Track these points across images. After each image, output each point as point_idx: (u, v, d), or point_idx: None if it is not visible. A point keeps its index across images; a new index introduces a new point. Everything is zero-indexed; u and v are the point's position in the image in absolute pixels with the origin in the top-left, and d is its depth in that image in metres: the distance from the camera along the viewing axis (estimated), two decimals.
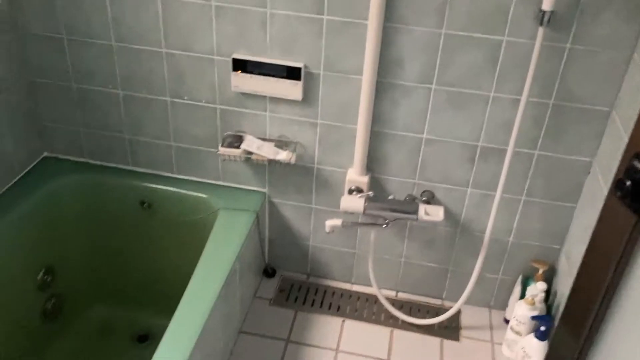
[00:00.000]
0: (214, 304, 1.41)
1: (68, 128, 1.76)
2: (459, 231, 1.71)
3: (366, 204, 1.55)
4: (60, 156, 1.82)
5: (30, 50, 1.65)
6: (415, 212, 1.54)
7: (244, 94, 1.59)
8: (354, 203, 1.56)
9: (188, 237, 1.75)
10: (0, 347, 1.56)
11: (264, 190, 1.77)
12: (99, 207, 1.77)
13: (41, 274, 1.67)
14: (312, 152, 1.66)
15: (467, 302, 1.79)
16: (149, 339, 1.82)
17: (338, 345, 1.68)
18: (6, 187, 1.66)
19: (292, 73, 1.51)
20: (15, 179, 1.70)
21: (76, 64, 1.64)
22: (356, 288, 1.88)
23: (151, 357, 1.26)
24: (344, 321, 1.76)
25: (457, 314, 1.81)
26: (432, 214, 1.54)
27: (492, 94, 1.47)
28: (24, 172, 1.73)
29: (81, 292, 1.84)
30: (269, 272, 1.91)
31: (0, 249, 1.53)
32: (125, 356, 1.76)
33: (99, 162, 1.80)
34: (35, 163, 1.78)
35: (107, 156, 1.79)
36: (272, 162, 1.64)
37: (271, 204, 1.79)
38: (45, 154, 1.82)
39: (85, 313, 1.86)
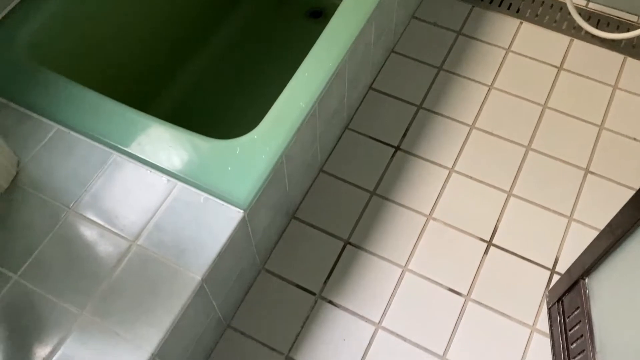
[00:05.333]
0: None
1: None
2: None
3: None
4: None
5: None
6: None
7: None
8: None
9: None
10: (198, 2, 1.70)
11: None
12: None
13: None
14: None
15: None
16: (322, 15, 1.88)
17: (510, 45, 1.63)
18: None
19: None
20: None
21: None
22: None
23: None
24: (521, 23, 1.67)
25: None
26: None
27: None
28: None
29: None
30: None
31: None
32: (298, 29, 1.86)
33: None
34: None
35: None
36: None
37: None
38: None
39: None
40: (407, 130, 1.50)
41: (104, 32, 1.44)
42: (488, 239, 1.34)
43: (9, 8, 1.27)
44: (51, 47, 1.30)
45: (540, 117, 1.51)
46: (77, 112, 1.14)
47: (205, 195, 1.05)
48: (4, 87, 1.17)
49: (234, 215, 1.03)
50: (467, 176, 1.43)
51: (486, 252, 1.33)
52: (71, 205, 1.04)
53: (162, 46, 1.64)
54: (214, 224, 1.02)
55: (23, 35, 1.25)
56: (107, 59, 1.46)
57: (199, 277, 0.97)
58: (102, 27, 1.42)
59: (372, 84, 1.58)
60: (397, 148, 1.47)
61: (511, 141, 1.47)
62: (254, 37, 1.84)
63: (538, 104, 1.53)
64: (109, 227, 1.02)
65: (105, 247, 1.00)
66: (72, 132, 1.11)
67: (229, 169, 1.07)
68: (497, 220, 1.36)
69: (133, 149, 1.09)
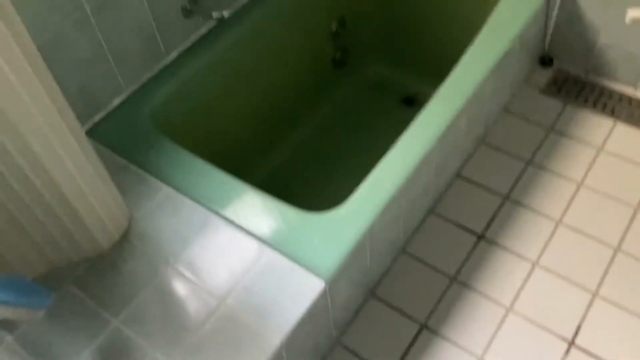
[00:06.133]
0: (486, 75, 1.44)
1: None
2: None
3: None
4: None
5: None
6: None
7: None
8: None
9: (471, 8, 1.74)
10: (299, 84, 1.85)
11: None
12: None
13: (335, 24, 1.87)
14: None
15: None
16: (415, 103, 1.97)
17: (603, 144, 1.62)
18: None
19: None
20: None
21: None
22: None
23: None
24: (615, 123, 1.67)
25: None
26: None
27: None
28: None
29: (364, 48, 2.02)
30: (545, 61, 1.84)
31: None
32: (391, 114, 1.95)
33: None
34: None
35: None
36: None
37: None
38: None
39: (364, 68, 2.05)
40: (491, 220, 1.51)
41: (215, 107, 1.59)
42: (570, 339, 1.30)
43: (137, 85, 1.46)
44: (168, 118, 1.46)
45: (632, 218, 1.47)
46: (186, 177, 1.26)
47: (291, 263, 1.11)
48: (127, 150, 1.33)
49: (316, 285, 1.08)
50: (551, 271, 1.41)
51: (567, 352, 1.28)
52: (171, 260, 1.14)
53: (264, 122, 1.78)
54: (297, 291, 1.08)
55: (147, 107, 1.42)
56: (215, 130, 1.61)
57: (278, 342, 1.02)
58: (213, 103, 1.58)
59: (460, 171, 1.62)
60: (481, 236, 1.48)
61: (599, 240, 1.44)
62: (349, 119, 1.95)
63: (630, 205, 1.50)
64: (201, 284, 1.10)
65: (196, 302, 1.08)
66: (179, 194, 1.23)
67: (315, 240, 1.14)
68: (581, 320, 1.32)
69: (229, 213, 1.19)
